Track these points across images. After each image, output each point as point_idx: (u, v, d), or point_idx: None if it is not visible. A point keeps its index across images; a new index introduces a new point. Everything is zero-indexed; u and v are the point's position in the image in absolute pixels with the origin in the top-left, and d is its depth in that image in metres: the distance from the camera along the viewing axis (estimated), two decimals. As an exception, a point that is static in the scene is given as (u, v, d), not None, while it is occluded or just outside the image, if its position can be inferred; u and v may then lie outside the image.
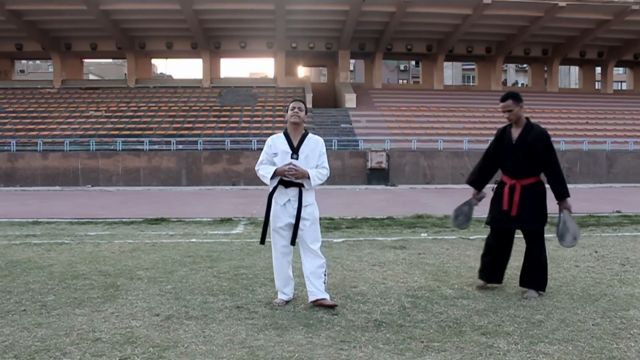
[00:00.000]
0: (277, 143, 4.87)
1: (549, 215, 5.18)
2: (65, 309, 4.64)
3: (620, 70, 53.43)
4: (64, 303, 4.84)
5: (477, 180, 5.51)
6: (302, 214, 4.74)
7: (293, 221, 4.75)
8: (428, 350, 3.67)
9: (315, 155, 4.83)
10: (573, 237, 5.14)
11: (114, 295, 5.12)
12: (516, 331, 4.05)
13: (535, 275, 5.14)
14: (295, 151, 4.80)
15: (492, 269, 5.41)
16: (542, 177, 5.20)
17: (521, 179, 5.13)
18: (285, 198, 4.79)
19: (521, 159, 5.11)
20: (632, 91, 43.60)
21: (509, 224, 5.22)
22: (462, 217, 5.62)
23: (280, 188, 4.80)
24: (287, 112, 4.89)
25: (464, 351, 3.64)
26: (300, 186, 4.78)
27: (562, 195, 5.08)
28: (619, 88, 50.67)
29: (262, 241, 4.97)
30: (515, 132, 5.21)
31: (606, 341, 3.84)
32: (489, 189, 5.45)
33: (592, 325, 4.20)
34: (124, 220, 11.37)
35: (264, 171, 4.85)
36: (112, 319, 4.38)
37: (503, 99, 5.20)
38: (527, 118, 5.25)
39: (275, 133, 5.11)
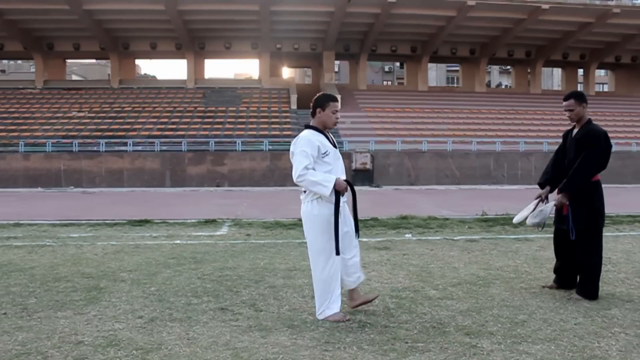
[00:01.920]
0: (323, 141, 4.41)
1: (607, 216, 5.08)
2: (47, 312, 4.59)
3: (602, 72, 54.04)
4: (46, 306, 4.78)
5: (543, 182, 5.43)
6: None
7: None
8: (412, 350, 3.68)
9: None
10: (535, 223, 5.18)
11: (96, 297, 5.07)
12: (499, 331, 4.07)
13: (581, 280, 5.08)
14: (335, 148, 4.54)
15: (560, 273, 5.38)
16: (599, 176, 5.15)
17: None
18: (343, 200, 4.45)
19: (574, 158, 5.08)
20: (614, 93, 44.17)
21: (562, 224, 5.18)
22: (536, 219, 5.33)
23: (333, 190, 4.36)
24: (322, 109, 4.46)
25: (447, 351, 3.66)
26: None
27: (562, 186, 5.06)
28: (601, 90, 51.28)
29: (338, 251, 4.36)
30: (575, 132, 5.23)
31: (588, 340, 3.88)
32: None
33: (574, 324, 4.24)
34: (107, 221, 11.28)
35: (320, 177, 4.27)
36: (94, 321, 4.34)
37: (566, 98, 5.18)
38: (589, 119, 5.18)
39: (310, 133, 4.49)
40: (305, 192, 4.45)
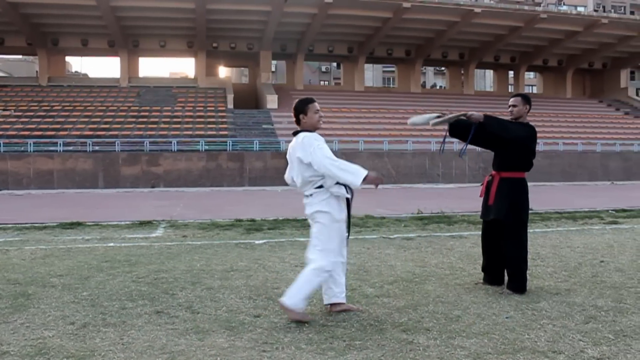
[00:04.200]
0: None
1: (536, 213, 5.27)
2: (-30, 321, 4.37)
3: (531, 74, 56.27)
4: (-31, 314, 4.55)
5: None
6: None
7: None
8: (350, 348, 3.70)
9: None
10: (414, 122, 5.51)
11: (24, 304, 4.86)
12: (435, 327, 4.16)
13: (510, 275, 5.23)
14: None
15: (487, 271, 5.49)
16: (526, 175, 5.36)
17: (501, 172, 5.30)
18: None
19: (504, 153, 5.31)
20: (542, 95, 46.03)
21: (487, 215, 5.35)
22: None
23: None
24: (304, 114, 4.46)
25: (385, 348, 3.70)
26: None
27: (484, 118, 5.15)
28: (530, 91, 53.37)
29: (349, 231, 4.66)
30: None
31: (518, 332, 4.01)
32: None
33: (506, 318, 4.38)
34: (36, 224, 10.84)
35: (352, 166, 4.20)
36: (22, 330, 4.15)
37: (514, 96, 5.51)
38: (528, 122, 5.41)
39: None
40: (310, 195, 4.42)
